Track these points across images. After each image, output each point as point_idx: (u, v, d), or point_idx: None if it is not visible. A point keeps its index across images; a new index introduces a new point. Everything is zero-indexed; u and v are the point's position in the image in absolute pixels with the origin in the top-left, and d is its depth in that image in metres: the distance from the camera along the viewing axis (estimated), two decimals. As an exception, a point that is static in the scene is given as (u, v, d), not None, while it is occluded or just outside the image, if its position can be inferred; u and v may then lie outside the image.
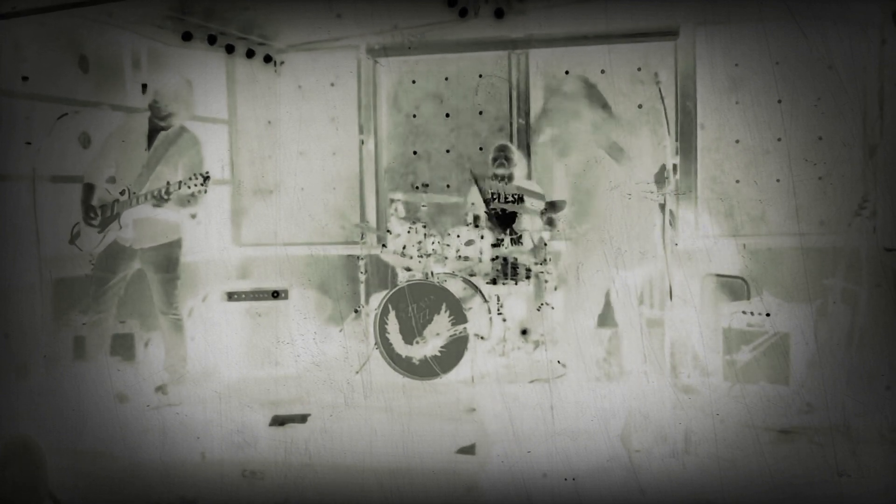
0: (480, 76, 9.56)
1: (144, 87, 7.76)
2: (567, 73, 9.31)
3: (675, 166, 6.83)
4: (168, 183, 7.31)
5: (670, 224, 7.69)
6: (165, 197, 7.27)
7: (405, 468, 5.99)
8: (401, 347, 8.04)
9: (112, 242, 7.47)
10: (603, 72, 9.17)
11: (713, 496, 5.54)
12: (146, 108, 7.61)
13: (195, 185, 7.28)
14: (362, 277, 8.81)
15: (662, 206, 7.44)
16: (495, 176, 8.79)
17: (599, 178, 7.07)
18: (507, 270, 8.31)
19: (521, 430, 6.45)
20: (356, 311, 8.86)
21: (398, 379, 7.96)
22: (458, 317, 7.89)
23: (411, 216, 8.60)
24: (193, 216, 8.19)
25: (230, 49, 9.09)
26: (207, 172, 7.35)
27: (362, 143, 9.85)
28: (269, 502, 5.75)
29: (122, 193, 7.42)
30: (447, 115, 9.69)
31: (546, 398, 6.90)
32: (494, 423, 6.67)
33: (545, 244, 8.30)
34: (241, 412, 7.12)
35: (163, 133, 7.55)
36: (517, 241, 8.40)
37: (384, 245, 8.56)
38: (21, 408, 6.67)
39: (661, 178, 7.20)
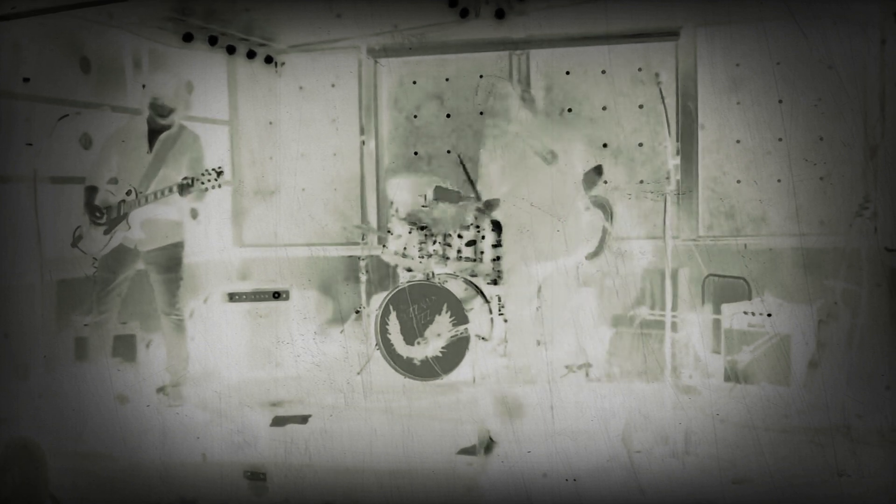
0: (481, 77, 9.56)
1: (144, 87, 7.75)
2: (568, 73, 9.31)
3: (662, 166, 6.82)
4: (185, 177, 7.35)
5: (608, 222, 7.77)
6: (187, 189, 7.30)
7: (405, 468, 6.00)
8: (402, 348, 8.04)
9: (118, 245, 7.48)
10: (604, 72, 9.18)
11: (713, 496, 5.54)
12: (146, 108, 7.61)
13: (209, 180, 7.32)
14: (363, 278, 8.81)
15: (603, 207, 7.49)
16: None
17: (535, 177, 7.10)
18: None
19: (521, 430, 6.45)
20: (357, 312, 8.86)
21: (398, 379, 7.96)
22: (460, 317, 7.89)
23: (412, 217, 8.60)
24: (194, 215, 8.20)
25: (231, 50, 9.10)
26: (220, 167, 7.39)
27: (363, 143, 9.86)
28: (269, 502, 5.75)
29: (128, 194, 7.43)
30: (448, 116, 9.69)
31: (546, 398, 6.90)
32: (495, 423, 6.67)
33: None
34: (241, 413, 7.12)
35: (164, 134, 7.55)
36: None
37: (385, 246, 8.56)
38: (21, 409, 6.67)
39: (590, 180, 7.23)
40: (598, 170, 7.25)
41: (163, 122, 7.58)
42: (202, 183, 7.31)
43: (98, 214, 7.43)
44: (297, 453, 6.30)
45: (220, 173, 7.35)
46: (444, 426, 6.86)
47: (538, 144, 7.03)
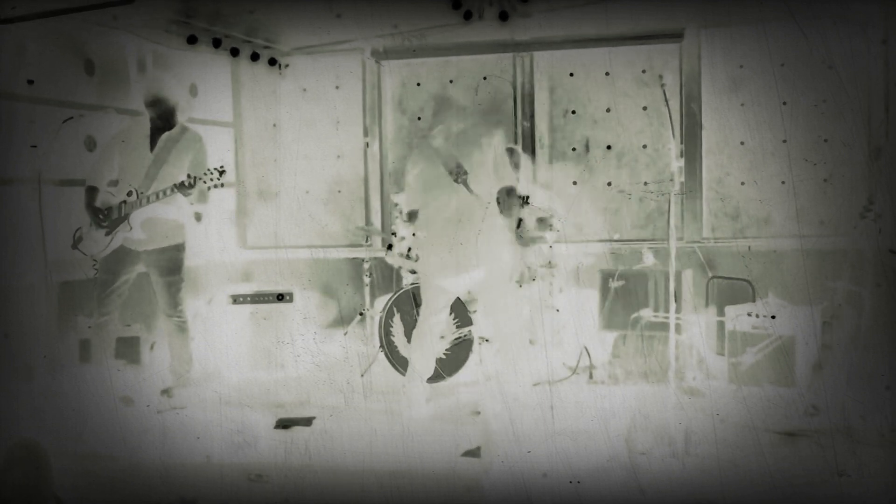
0: (485, 78, 9.56)
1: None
2: (572, 75, 9.31)
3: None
4: (189, 175, 7.33)
5: (519, 234, 7.80)
6: (189, 189, 7.28)
7: (405, 469, 6.00)
8: (406, 350, 8.03)
9: (118, 246, 7.47)
10: (607, 74, 9.18)
11: (713, 496, 5.53)
12: (147, 105, 7.60)
13: (211, 179, 7.29)
14: (367, 280, 8.82)
15: (518, 222, 7.56)
16: None
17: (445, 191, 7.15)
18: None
19: (522, 430, 6.45)
20: (361, 314, 8.86)
21: (398, 380, 7.95)
22: (463, 319, 7.88)
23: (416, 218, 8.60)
24: (199, 218, 8.20)
25: (235, 52, 9.11)
26: (223, 166, 7.36)
27: (367, 145, 9.85)
28: (269, 503, 5.76)
29: (129, 195, 7.42)
30: (452, 118, 9.70)
31: (546, 398, 6.90)
32: (495, 423, 6.67)
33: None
34: (242, 414, 7.12)
35: (165, 134, 7.54)
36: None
37: (389, 247, 8.57)
38: (25, 411, 6.68)
39: (506, 199, 7.26)
40: (510, 191, 7.27)
41: (159, 117, 7.55)
42: (204, 182, 7.28)
43: (101, 217, 7.42)
44: (298, 454, 6.30)
45: (222, 172, 7.32)
46: (444, 426, 6.87)
47: (451, 161, 7.09)
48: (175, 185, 7.30)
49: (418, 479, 5.86)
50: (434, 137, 7.34)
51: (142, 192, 7.40)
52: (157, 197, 7.35)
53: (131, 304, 7.73)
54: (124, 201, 7.42)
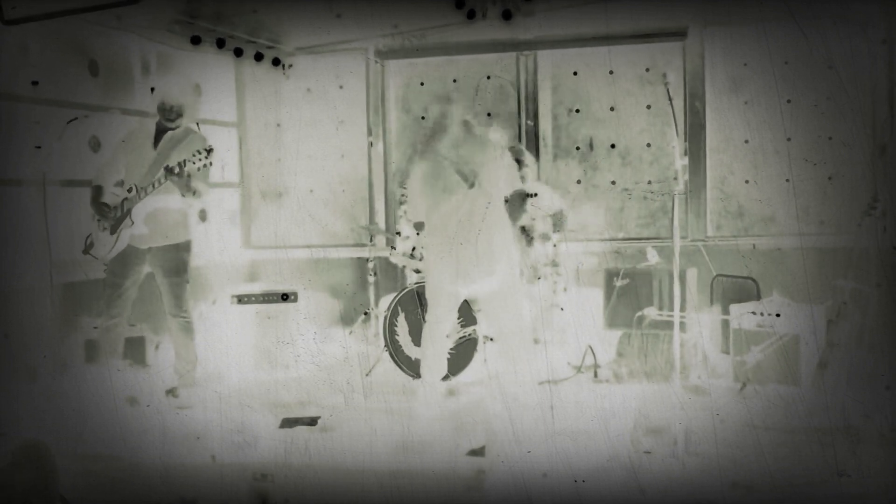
0: (488, 77, 9.56)
1: (153, 90, 7.71)
2: (575, 73, 9.31)
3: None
4: (178, 161, 7.30)
5: (556, 230, 7.81)
6: (177, 174, 7.22)
7: (405, 469, 5.99)
8: (410, 349, 8.02)
9: (125, 247, 7.47)
10: (611, 72, 9.17)
11: (713, 496, 5.52)
12: (154, 109, 7.58)
13: (199, 160, 7.25)
14: (371, 279, 8.82)
15: (522, 228, 7.58)
16: None
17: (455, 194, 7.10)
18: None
19: (521, 430, 6.44)
20: (366, 314, 8.86)
21: (399, 380, 7.95)
22: (468, 319, 7.87)
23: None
24: (202, 217, 8.20)
25: (239, 52, 9.12)
26: (210, 146, 7.31)
27: (371, 145, 9.85)
28: (269, 502, 5.76)
29: (129, 191, 7.41)
30: (455, 117, 9.69)
31: (546, 398, 6.89)
32: (494, 423, 6.67)
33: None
34: (243, 413, 7.12)
35: (169, 133, 7.51)
36: None
37: (393, 247, 8.57)
38: (28, 411, 6.69)
39: (516, 203, 7.23)
40: (521, 196, 7.24)
41: (171, 125, 7.53)
42: (193, 164, 7.22)
43: (105, 208, 7.39)
44: (298, 454, 6.30)
45: (209, 151, 7.27)
46: (444, 426, 6.86)
47: (463, 165, 7.05)
48: (164, 169, 7.23)
49: (418, 479, 5.86)
50: (440, 141, 7.30)
51: (141, 188, 7.35)
52: (153, 187, 7.29)
53: (137, 305, 7.73)
54: (125, 198, 7.40)
